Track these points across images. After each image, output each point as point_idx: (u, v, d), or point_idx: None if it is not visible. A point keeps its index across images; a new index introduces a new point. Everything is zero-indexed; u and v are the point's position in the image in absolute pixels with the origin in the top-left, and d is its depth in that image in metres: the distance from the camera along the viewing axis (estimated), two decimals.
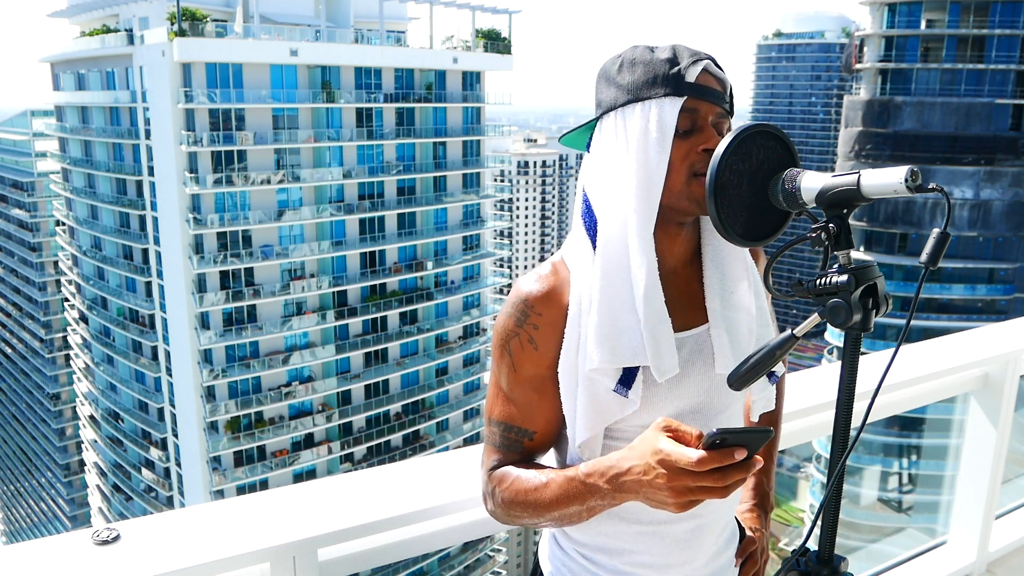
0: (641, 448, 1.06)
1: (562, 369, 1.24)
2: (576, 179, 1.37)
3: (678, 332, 1.24)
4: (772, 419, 1.55)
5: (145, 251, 37.40)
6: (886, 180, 0.99)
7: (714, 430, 0.98)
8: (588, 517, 1.18)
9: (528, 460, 1.30)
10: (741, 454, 0.98)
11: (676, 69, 1.19)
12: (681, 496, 1.02)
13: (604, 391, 1.21)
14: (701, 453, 0.98)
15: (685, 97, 1.18)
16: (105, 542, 1.40)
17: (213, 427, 35.26)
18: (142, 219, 37.18)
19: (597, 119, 1.27)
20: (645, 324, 1.18)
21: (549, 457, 1.39)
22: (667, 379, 1.22)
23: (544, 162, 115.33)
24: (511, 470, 1.26)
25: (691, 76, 1.19)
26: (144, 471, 39.50)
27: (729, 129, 1.24)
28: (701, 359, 1.26)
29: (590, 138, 1.29)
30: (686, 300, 1.28)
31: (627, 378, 1.21)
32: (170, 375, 36.91)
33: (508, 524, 1.31)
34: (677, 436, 1.03)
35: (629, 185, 1.19)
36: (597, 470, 1.12)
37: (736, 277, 1.29)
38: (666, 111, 1.18)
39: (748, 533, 1.46)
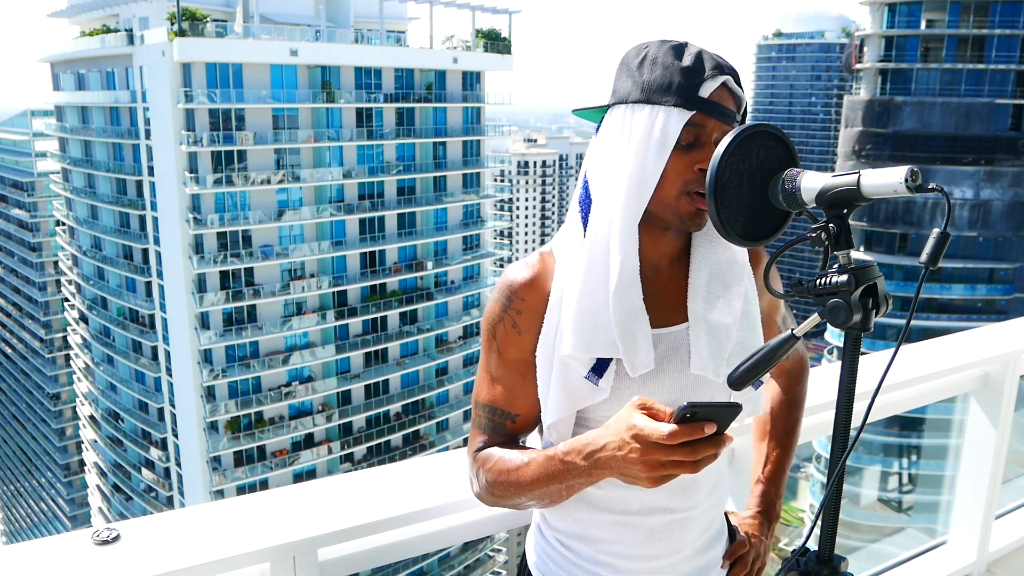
0: (616, 425, 1.09)
1: (539, 353, 1.27)
2: (576, 179, 1.38)
3: (656, 328, 1.26)
4: (788, 427, 1.54)
5: (145, 251, 37.40)
6: (886, 180, 0.99)
7: (684, 404, 1.00)
8: (568, 495, 1.21)
9: (512, 442, 1.32)
10: (711, 428, 1.01)
11: (692, 81, 1.18)
12: (653, 470, 1.04)
13: (576, 377, 1.24)
14: (672, 427, 1.01)
15: (694, 112, 1.18)
16: (105, 542, 1.40)
17: (213, 427, 35.26)
18: (142, 219, 37.19)
19: (610, 105, 1.27)
20: (617, 320, 1.20)
21: (534, 440, 1.40)
22: (640, 374, 1.24)
23: (544, 162, 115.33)
24: (494, 451, 1.29)
25: (706, 91, 1.18)
26: (144, 471, 39.51)
27: None
28: (677, 357, 1.28)
29: (601, 120, 1.29)
30: (668, 298, 1.29)
31: (599, 367, 1.23)
32: (170, 375, 36.91)
33: (493, 505, 1.33)
34: (651, 413, 1.06)
35: (621, 183, 1.20)
36: (574, 448, 1.15)
37: (725, 280, 1.29)
38: (672, 121, 1.18)
39: (740, 535, 1.45)
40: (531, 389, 1.30)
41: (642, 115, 1.20)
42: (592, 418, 1.27)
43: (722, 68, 1.20)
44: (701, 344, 1.27)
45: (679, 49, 1.21)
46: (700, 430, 1.00)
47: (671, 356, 1.27)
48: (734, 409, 1.01)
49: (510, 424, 1.32)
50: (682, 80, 1.18)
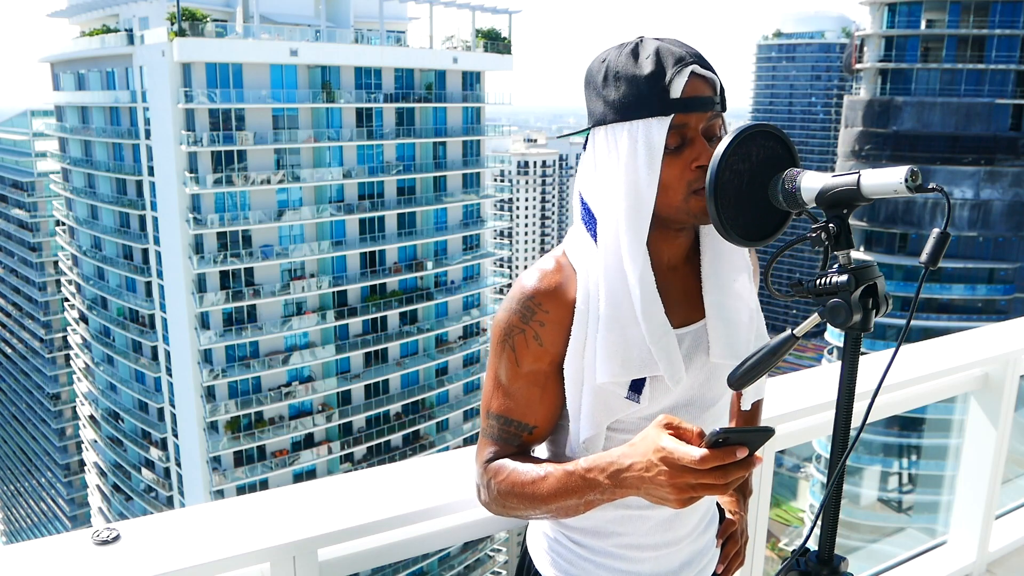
0: (643, 445, 1.07)
1: (568, 368, 1.24)
2: (574, 182, 1.36)
3: (678, 329, 1.26)
4: (754, 405, 1.58)
5: (145, 251, 37.40)
6: (886, 180, 0.99)
7: (717, 429, 0.99)
8: (585, 510, 1.19)
9: (524, 452, 1.31)
10: (742, 452, 0.99)
11: (660, 85, 1.16)
12: (683, 492, 1.03)
13: (614, 397, 1.23)
14: (704, 451, 1.00)
15: (672, 115, 1.17)
16: (105, 542, 1.40)
17: (213, 427, 35.25)
18: (142, 219, 37.18)
19: (590, 128, 1.27)
20: (651, 339, 1.20)
21: (539, 448, 1.40)
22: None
23: (544, 162, 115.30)
24: (507, 463, 1.27)
25: (676, 90, 1.16)
26: (144, 471, 39.50)
27: (723, 126, 1.23)
28: (699, 353, 1.29)
29: (587, 138, 1.29)
30: (685, 297, 1.29)
31: (637, 385, 1.23)
32: (170, 375, 36.90)
33: (501, 515, 1.33)
34: (678, 433, 1.05)
35: (620, 204, 1.19)
36: (597, 465, 1.13)
37: (735, 268, 1.30)
38: (653, 132, 1.16)
39: (728, 515, 1.52)
40: (549, 400, 1.28)
41: (623, 134, 1.19)
42: (623, 421, 1.27)
43: (683, 58, 1.17)
44: (720, 335, 1.28)
45: (636, 54, 1.18)
46: (732, 454, 0.99)
47: (692, 355, 1.28)
48: (766, 433, 1.00)
49: (527, 435, 1.29)
50: (649, 89, 1.16)
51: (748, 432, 1.00)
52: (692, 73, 1.17)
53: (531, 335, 1.25)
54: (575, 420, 1.26)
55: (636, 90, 1.17)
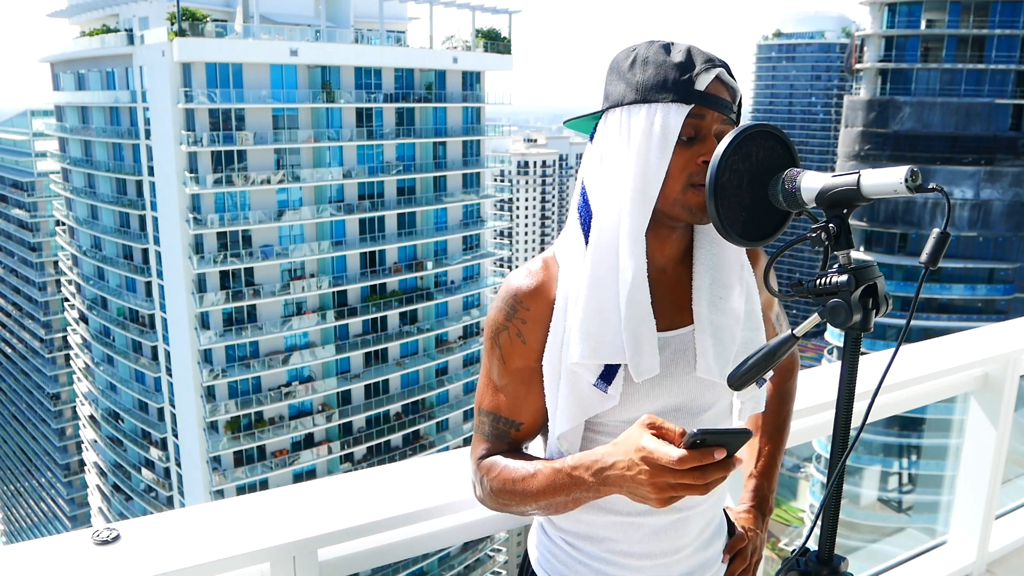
0: (625, 444, 1.08)
1: (546, 362, 1.26)
2: (576, 178, 1.37)
3: (663, 332, 1.25)
4: (779, 422, 1.56)
5: (145, 251, 37.40)
6: (886, 180, 0.99)
7: (695, 430, 1.00)
8: (574, 507, 1.21)
9: (515, 449, 1.32)
10: (720, 454, 1.00)
11: (687, 75, 1.18)
12: (662, 492, 1.04)
13: (585, 385, 1.23)
14: (682, 452, 1.00)
15: (692, 105, 1.18)
16: (105, 542, 1.40)
17: (213, 427, 35.26)
18: (142, 219, 37.19)
19: (604, 111, 1.27)
20: (627, 325, 1.19)
21: (536, 445, 1.41)
22: (646, 379, 1.23)
23: (544, 162, 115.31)
24: (499, 459, 1.29)
25: (701, 84, 1.18)
26: (144, 471, 39.51)
27: None
28: (684, 360, 1.27)
29: (595, 127, 1.29)
30: (674, 300, 1.28)
31: (608, 374, 1.22)
32: (170, 375, 36.91)
33: (496, 511, 1.34)
34: (661, 433, 1.05)
35: (626, 186, 1.19)
36: (583, 463, 1.14)
37: (728, 281, 1.29)
38: (671, 117, 1.18)
39: (738, 530, 1.48)
40: (535, 397, 1.29)
41: (640, 115, 1.19)
42: (603, 423, 1.27)
43: (713, 61, 1.20)
44: (706, 347, 1.27)
45: (668, 47, 1.21)
46: (710, 455, 1.00)
47: (678, 359, 1.27)
48: (744, 435, 1.01)
49: (515, 432, 1.31)
50: (677, 75, 1.18)
51: (726, 433, 1.00)
52: (718, 77, 1.20)
53: (514, 333, 1.27)
54: (552, 416, 1.28)
55: (662, 74, 1.19)
